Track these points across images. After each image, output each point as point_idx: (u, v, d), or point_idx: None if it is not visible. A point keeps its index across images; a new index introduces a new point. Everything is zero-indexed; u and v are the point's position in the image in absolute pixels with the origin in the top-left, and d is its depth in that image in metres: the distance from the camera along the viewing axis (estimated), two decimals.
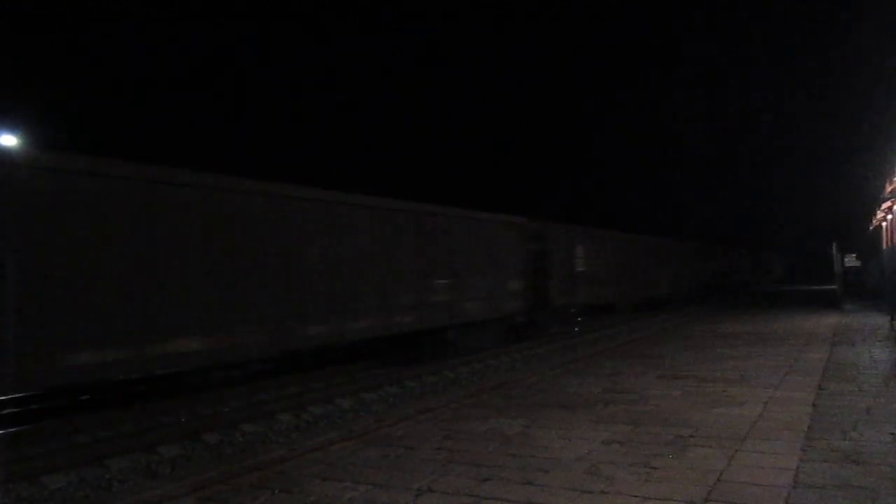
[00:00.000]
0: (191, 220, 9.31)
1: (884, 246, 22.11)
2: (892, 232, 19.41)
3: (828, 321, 17.61)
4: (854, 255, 32.13)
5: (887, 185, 15.98)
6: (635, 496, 4.42)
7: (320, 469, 5.39)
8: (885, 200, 17.84)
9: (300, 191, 11.32)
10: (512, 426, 6.58)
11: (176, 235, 9.09)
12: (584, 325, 20.88)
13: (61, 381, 8.07)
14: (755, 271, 56.90)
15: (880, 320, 17.27)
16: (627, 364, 10.74)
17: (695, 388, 8.31)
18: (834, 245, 24.20)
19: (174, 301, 8.98)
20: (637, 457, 5.32)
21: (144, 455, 7.52)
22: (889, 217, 20.04)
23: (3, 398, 8.28)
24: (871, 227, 27.47)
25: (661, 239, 30.75)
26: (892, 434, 5.72)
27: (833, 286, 25.36)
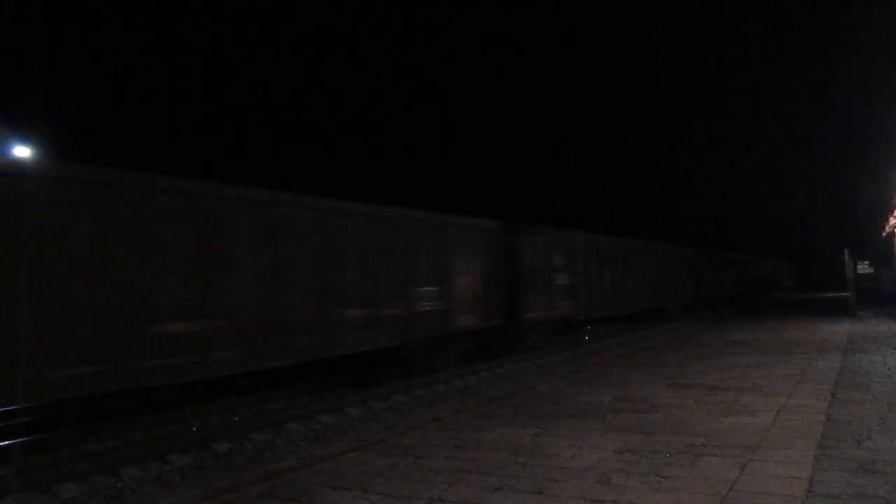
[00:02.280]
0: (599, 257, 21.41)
1: None
2: None
3: (840, 329, 17.46)
4: (867, 262, 31.91)
5: None
6: None
7: (330, 478, 5.39)
8: None
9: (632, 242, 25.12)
10: (522, 435, 6.56)
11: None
12: (593, 333, 20.92)
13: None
14: (766, 279, 57.03)
15: (894, 327, 17.11)
16: (637, 372, 10.69)
17: (706, 396, 8.25)
18: (846, 252, 24.02)
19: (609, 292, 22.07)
20: (648, 466, 5.28)
21: (156, 464, 7.55)
22: None
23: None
24: (883, 234, 27.27)
25: (730, 253, 44.31)
26: None
27: (846, 293, 25.14)
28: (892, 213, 19.03)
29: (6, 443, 7.82)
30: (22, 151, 13.06)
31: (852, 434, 6.03)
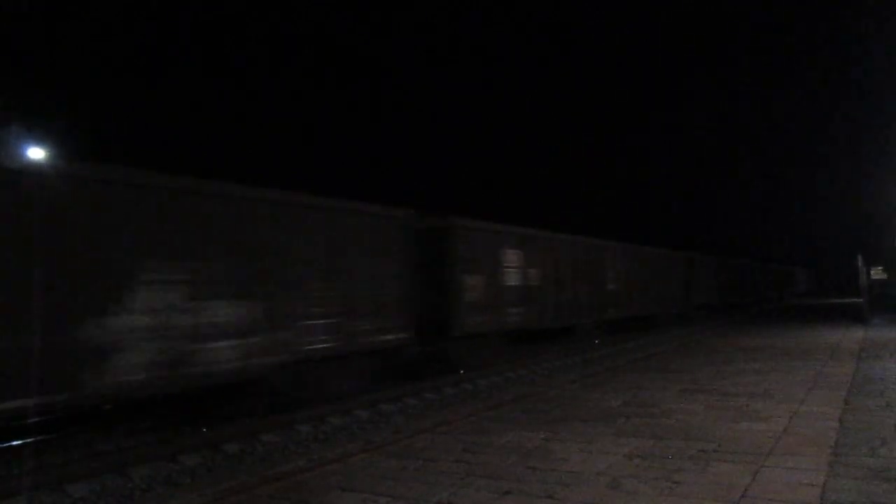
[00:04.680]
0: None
1: None
2: None
3: (854, 335, 17.30)
4: (880, 268, 31.61)
5: None
6: None
7: (339, 480, 5.39)
8: None
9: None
10: (532, 439, 6.54)
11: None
12: (603, 338, 20.94)
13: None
14: (780, 285, 56.84)
15: None
16: (648, 378, 10.64)
17: (718, 402, 8.20)
18: (859, 258, 23.79)
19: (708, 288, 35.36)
20: (659, 471, 5.25)
21: (166, 464, 7.58)
22: None
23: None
24: None
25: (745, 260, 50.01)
26: None
27: (859, 300, 24.92)
28: None
29: (19, 442, 7.89)
30: (36, 153, 13.15)
31: (866, 441, 5.97)
